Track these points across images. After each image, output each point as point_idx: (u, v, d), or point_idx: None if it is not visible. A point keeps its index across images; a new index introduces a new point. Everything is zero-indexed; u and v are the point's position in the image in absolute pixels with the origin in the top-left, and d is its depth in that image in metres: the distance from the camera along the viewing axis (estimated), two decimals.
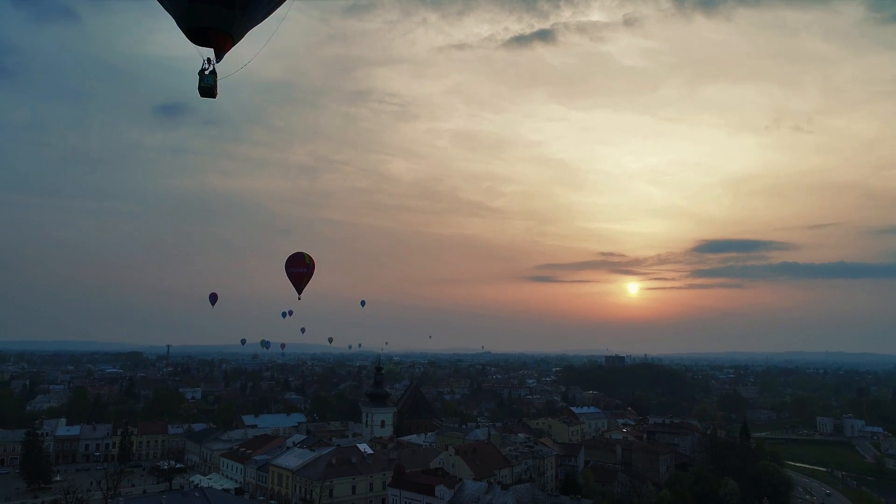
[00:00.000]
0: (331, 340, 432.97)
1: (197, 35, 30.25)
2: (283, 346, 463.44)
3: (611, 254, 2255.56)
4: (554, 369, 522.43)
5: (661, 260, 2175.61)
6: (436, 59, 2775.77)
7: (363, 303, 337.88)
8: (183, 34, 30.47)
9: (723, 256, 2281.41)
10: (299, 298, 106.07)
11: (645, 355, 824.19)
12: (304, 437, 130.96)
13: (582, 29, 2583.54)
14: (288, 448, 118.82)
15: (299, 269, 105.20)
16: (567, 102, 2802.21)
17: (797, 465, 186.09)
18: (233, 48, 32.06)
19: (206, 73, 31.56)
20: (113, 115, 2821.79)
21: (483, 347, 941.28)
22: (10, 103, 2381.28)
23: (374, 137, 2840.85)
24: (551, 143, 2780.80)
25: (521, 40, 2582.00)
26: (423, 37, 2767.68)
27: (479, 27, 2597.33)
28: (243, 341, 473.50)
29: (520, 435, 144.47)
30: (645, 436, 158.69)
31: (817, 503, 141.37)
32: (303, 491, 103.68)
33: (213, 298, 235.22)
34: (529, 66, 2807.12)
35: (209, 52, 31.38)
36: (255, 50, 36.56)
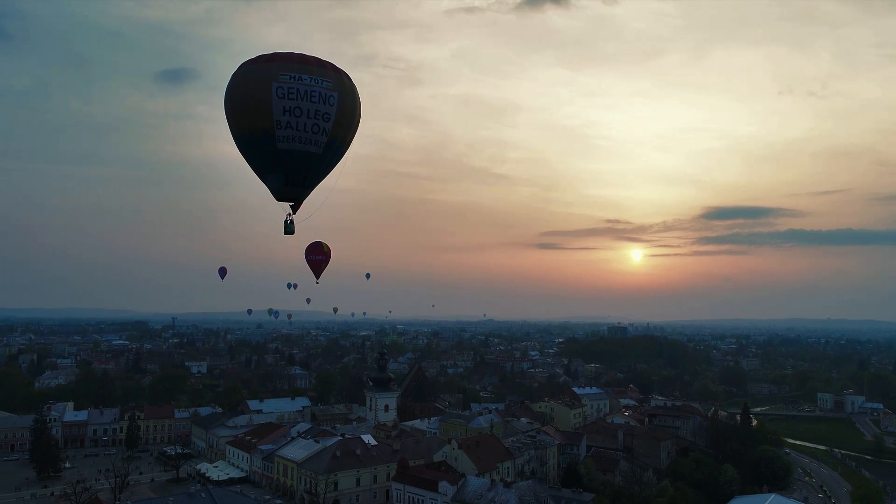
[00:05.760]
0: (335, 311, 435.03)
1: (283, 200, 55.72)
2: (289, 315, 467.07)
3: (616, 221, 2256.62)
4: (556, 340, 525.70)
5: (667, 227, 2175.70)
6: (441, 22, 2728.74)
7: (368, 276, 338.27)
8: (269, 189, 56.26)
9: (729, 223, 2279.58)
10: (317, 283, 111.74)
11: (647, 323, 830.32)
12: (308, 426, 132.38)
13: None
14: (293, 438, 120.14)
15: (318, 256, 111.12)
16: (574, 67, 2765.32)
17: (797, 442, 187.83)
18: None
19: (289, 222, 55.90)
20: (115, 81, 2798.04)
21: (485, 315, 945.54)
22: (12, 68, 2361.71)
23: (378, 103, 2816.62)
24: (558, 109, 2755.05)
25: (532, 2, 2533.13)
26: None
27: None
28: (250, 311, 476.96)
29: (522, 420, 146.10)
30: (646, 419, 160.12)
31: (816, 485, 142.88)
32: (308, 483, 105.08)
33: (223, 272, 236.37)
34: (536, 30, 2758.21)
35: (288, 207, 56.06)
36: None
